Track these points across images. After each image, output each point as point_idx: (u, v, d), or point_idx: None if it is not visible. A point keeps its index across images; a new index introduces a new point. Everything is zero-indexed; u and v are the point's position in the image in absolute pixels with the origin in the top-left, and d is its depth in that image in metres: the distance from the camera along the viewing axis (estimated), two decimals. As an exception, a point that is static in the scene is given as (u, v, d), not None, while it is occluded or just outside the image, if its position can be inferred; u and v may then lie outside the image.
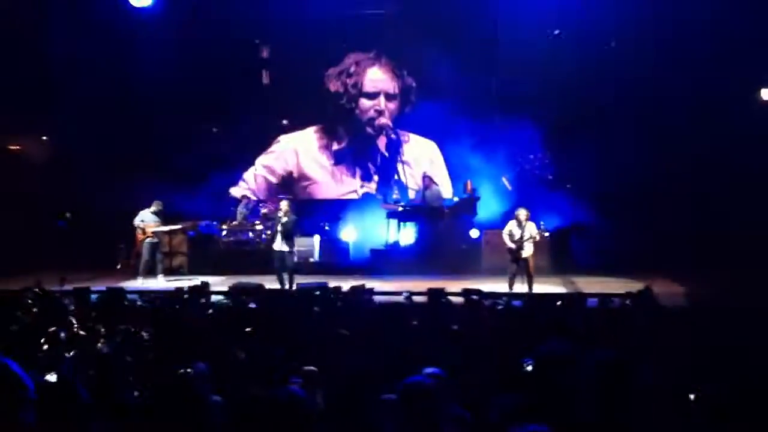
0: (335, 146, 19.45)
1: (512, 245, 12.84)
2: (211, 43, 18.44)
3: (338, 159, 19.39)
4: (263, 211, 17.37)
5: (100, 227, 16.48)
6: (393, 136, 19.04)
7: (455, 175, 18.28)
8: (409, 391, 3.38)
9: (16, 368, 2.28)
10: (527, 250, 12.81)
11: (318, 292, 10.29)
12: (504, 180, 12.86)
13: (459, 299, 9.48)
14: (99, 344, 6.04)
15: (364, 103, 19.20)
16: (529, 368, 4.58)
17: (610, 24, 17.03)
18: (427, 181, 17.06)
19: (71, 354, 5.56)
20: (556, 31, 17.38)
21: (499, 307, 8.45)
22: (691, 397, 4.03)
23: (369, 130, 19.15)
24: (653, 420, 3.87)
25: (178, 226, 16.24)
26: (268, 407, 3.30)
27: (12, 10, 16.52)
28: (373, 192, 18.89)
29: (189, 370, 4.42)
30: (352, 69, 19.22)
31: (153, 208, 15.51)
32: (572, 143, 16.98)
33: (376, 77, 19.19)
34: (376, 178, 19.18)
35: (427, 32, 17.74)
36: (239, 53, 19.09)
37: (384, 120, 19.02)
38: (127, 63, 18.25)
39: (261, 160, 19.56)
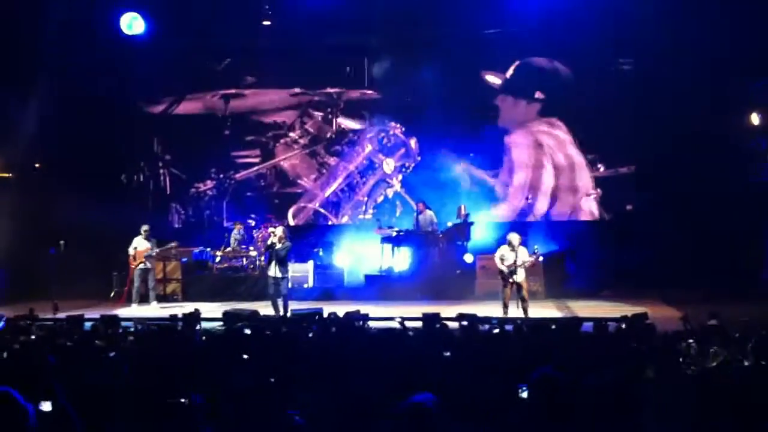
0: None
1: (504, 269, 12.85)
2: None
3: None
4: (259, 236, 17.31)
5: (94, 255, 16.45)
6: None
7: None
8: (412, 413, 3.35)
9: (18, 396, 2.27)
10: (519, 275, 12.81)
11: (313, 318, 10.25)
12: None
13: (454, 324, 9.45)
14: (92, 372, 6.01)
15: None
16: (524, 394, 4.57)
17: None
18: (421, 206, 17.11)
19: (65, 382, 5.51)
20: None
21: (495, 332, 8.43)
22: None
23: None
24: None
25: (168, 248, 16.13)
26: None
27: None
28: (368, 218, 18.90)
29: (184, 400, 4.38)
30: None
31: (143, 233, 15.48)
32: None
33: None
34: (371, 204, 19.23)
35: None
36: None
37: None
38: (123, 89, 18.41)
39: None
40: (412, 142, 19.02)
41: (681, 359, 6.45)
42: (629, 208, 17.98)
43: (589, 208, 18.26)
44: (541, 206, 18.44)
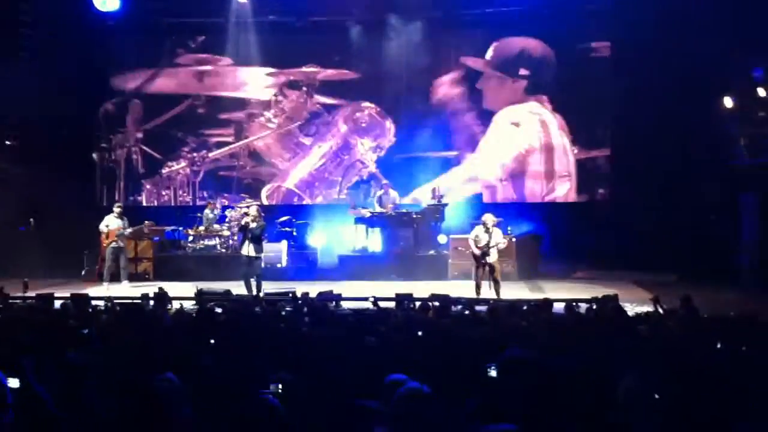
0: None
1: (477, 251, 12.91)
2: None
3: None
4: (232, 215, 17.22)
5: (65, 233, 16.30)
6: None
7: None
8: (405, 398, 3.34)
9: None
10: (492, 256, 12.88)
11: (286, 298, 10.27)
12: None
13: (426, 304, 9.51)
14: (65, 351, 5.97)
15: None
16: (493, 373, 4.62)
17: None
18: (386, 187, 17.22)
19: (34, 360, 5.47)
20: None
21: (465, 313, 8.50)
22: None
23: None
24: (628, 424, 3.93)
25: (142, 227, 16.00)
26: (245, 419, 3.26)
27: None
28: (342, 198, 18.90)
29: (161, 380, 4.34)
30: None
31: (115, 212, 15.35)
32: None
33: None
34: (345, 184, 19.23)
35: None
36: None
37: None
38: (93, 66, 18.21)
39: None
40: (388, 123, 19.00)
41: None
42: (602, 192, 18.13)
43: (565, 190, 18.35)
44: (517, 187, 18.52)
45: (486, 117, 18.62)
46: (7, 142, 18.27)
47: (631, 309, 9.70)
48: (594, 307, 9.08)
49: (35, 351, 5.88)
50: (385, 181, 17.73)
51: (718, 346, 6.08)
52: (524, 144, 18.42)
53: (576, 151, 18.23)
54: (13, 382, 3.78)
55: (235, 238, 16.16)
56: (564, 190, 18.32)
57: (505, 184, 18.55)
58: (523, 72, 18.40)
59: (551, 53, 18.20)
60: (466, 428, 3.66)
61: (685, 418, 3.94)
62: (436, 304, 8.95)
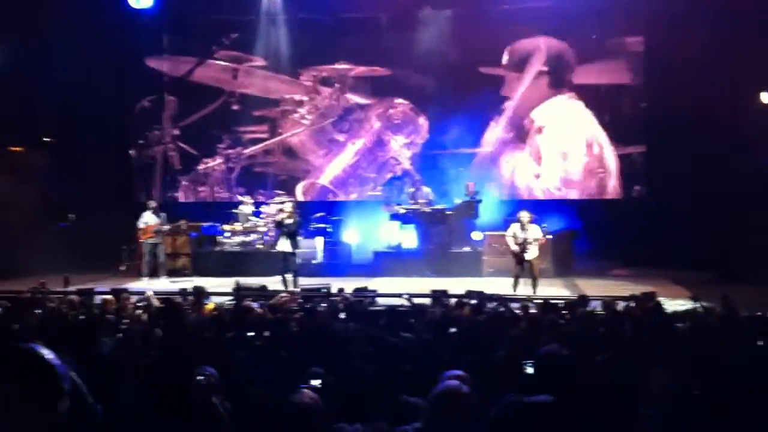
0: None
1: (516, 248, 12.87)
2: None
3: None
4: (268, 211, 17.32)
5: (103, 229, 16.54)
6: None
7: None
8: (446, 396, 3.33)
9: (52, 357, 2.26)
10: (531, 253, 12.83)
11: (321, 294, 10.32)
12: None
13: (461, 301, 9.49)
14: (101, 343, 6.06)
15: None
16: (530, 370, 4.60)
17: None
18: (418, 183, 17.20)
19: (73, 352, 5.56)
20: None
21: (501, 309, 8.47)
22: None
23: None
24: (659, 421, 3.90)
25: (178, 224, 16.20)
26: (283, 412, 3.27)
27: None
28: (378, 194, 18.91)
29: (199, 374, 4.38)
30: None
31: (151, 207, 15.55)
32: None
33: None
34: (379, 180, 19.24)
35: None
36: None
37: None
38: (129, 63, 18.46)
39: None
40: (421, 119, 18.97)
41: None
42: (637, 188, 17.92)
43: (603, 186, 18.18)
44: (554, 183, 18.40)
45: (519, 116, 18.52)
46: (45, 139, 18.57)
47: (670, 306, 9.58)
48: (632, 304, 9.00)
49: (74, 344, 5.99)
50: (417, 177, 17.74)
51: (759, 343, 6.00)
52: (568, 139, 18.28)
53: (613, 147, 18.03)
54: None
55: (272, 234, 16.26)
56: (606, 185, 18.13)
57: (546, 180, 18.42)
58: (542, 68, 18.27)
59: (572, 48, 18.02)
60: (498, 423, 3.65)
61: (716, 415, 3.90)
62: (472, 300, 8.93)
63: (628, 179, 18.02)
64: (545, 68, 18.29)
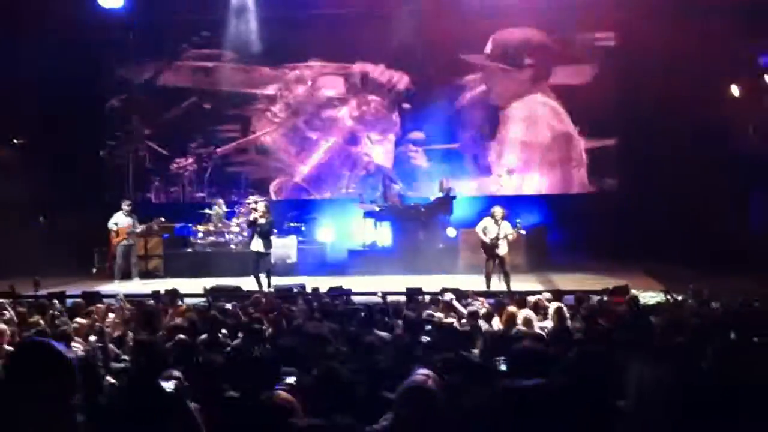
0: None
1: (487, 241, 12.89)
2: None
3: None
4: (241, 211, 17.23)
5: (74, 230, 16.36)
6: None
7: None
8: (412, 391, 3.36)
9: (63, 348, 2.24)
10: (502, 248, 12.87)
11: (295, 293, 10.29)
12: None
13: (436, 298, 9.51)
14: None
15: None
16: (503, 367, 4.62)
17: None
18: (387, 180, 17.18)
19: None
20: None
21: (473, 306, 8.49)
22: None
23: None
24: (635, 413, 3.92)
25: (152, 224, 16.04)
26: (255, 412, 3.26)
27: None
28: (352, 191, 18.88)
29: (168, 377, 4.36)
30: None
31: (125, 209, 15.42)
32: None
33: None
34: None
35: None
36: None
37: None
38: (99, 64, 18.26)
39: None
40: (394, 116, 18.96)
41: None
42: (610, 182, 18.07)
43: (578, 178, 18.32)
44: (528, 179, 18.51)
45: (492, 111, 18.58)
46: (15, 140, 18.32)
47: (642, 299, 9.66)
48: (605, 298, 9.07)
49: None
50: (390, 174, 17.68)
51: (732, 336, 6.06)
52: (540, 135, 18.38)
53: (583, 141, 18.18)
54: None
55: (245, 234, 16.18)
56: (577, 179, 18.27)
57: (518, 176, 18.52)
58: (529, 61, 18.34)
59: (551, 41, 18.13)
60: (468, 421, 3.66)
61: (691, 409, 3.93)
62: (446, 298, 8.94)
63: (600, 172, 18.17)
64: (530, 61, 18.37)
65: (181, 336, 6.32)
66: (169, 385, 4.12)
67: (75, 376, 2.19)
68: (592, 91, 17.78)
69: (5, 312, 7.84)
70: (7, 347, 6.27)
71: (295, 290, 11.79)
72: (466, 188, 17.99)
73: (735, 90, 15.86)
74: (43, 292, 11.53)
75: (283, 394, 4.20)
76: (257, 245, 13.49)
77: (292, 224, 17.22)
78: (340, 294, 10.43)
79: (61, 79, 16.84)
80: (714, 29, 14.37)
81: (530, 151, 18.49)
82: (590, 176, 18.22)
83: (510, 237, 12.92)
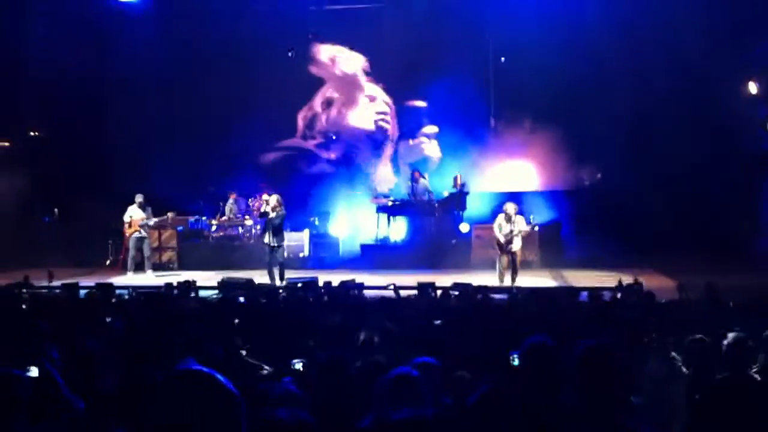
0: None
1: (501, 238, 12.85)
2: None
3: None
4: (254, 204, 17.22)
5: (88, 222, 16.43)
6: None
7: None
8: (395, 381, 3.40)
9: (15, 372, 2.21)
10: (516, 244, 12.83)
11: (308, 287, 10.26)
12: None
13: (447, 292, 9.46)
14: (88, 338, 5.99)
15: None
16: (516, 361, 4.56)
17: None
18: (416, 174, 17.05)
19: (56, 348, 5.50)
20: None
21: (488, 301, 8.44)
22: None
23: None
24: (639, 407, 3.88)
25: (166, 217, 16.06)
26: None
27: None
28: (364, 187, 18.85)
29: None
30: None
31: (138, 202, 15.46)
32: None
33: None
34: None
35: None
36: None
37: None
38: (114, 58, 18.27)
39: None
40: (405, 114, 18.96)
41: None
42: (599, 176, 17.97)
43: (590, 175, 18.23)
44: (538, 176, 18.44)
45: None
46: (31, 133, 18.43)
47: (657, 296, 9.55)
48: (618, 295, 8.99)
49: (58, 339, 5.93)
50: (415, 171, 17.33)
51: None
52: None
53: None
54: (33, 371, 3.78)
55: (258, 227, 16.18)
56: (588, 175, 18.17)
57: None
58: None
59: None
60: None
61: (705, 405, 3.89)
62: (458, 292, 8.89)
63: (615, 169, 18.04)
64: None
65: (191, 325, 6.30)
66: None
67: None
68: (602, 84, 17.61)
69: None
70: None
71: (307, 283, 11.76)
72: (479, 184, 17.89)
73: (753, 87, 15.70)
74: (56, 283, 11.57)
75: (289, 385, 4.16)
76: (269, 239, 13.49)
77: (307, 218, 17.26)
78: (351, 288, 10.38)
79: (74, 73, 16.91)
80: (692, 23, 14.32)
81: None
82: (605, 172, 18.05)
83: (523, 233, 12.87)
